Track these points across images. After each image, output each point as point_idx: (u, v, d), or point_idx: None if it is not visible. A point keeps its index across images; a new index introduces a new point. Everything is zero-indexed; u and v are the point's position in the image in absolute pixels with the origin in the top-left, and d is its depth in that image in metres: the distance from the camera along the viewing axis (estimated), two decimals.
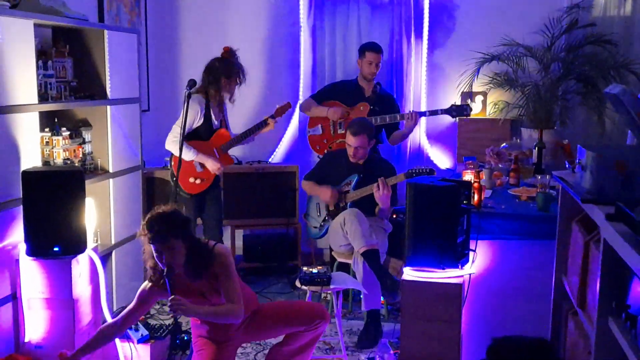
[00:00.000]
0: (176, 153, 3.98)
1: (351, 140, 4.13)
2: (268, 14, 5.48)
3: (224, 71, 4.10)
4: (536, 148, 4.32)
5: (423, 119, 5.30)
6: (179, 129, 3.99)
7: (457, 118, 5.08)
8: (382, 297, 4.15)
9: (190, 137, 4.10)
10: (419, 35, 5.24)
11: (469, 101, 5.14)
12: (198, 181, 4.21)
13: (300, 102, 5.33)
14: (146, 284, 2.97)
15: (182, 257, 2.81)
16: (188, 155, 4.07)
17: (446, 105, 4.77)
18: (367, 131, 4.13)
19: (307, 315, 3.09)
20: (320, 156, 4.69)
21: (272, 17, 5.48)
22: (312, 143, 4.82)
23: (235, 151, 4.43)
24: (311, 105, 4.78)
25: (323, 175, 4.34)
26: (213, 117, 4.19)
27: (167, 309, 2.86)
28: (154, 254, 2.79)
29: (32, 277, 3.14)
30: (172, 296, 2.72)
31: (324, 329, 3.15)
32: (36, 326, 3.17)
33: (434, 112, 4.68)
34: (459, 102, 5.18)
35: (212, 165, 4.16)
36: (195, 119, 4.09)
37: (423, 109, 5.31)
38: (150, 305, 3.11)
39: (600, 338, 1.91)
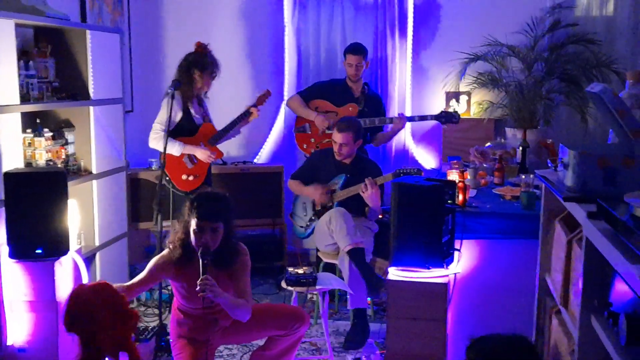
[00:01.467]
0: (161, 149, 3.99)
1: (337, 137, 4.14)
2: (252, 14, 5.46)
3: (197, 65, 4.09)
4: (520, 147, 4.35)
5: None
6: (159, 126, 3.99)
7: (445, 107, 5.11)
8: (367, 297, 4.16)
9: (175, 134, 4.08)
10: (403, 35, 5.25)
11: (455, 107, 5.16)
12: (191, 178, 4.19)
13: (285, 100, 5.33)
14: (158, 259, 2.96)
15: (217, 242, 2.85)
16: (175, 149, 4.06)
17: (432, 107, 4.78)
18: (354, 130, 4.13)
19: (286, 319, 3.07)
20: (307, 155, 4.69)
21: (257, 17, 5.46)
22: (299, 141, 4.81)
23: (223, 141, 4.41)
24: (297, 103, 4.76)
25: (310, 175, 4.34)
26: (193, 112, 4.17)
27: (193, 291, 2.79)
28: (195, 230, 2.80)
29: (15, 279, 3.11)
30: (205, 275, 2.72)
31: (303, 333, 3.14)
32: (19, 329, 3.13)
33: (423, 118, 4.70)
34: (444, 104, 5.21)
35: (202, 154, 4.14)
36: (172, 113, 4.06)
37: (408, 109, 5.32)
38: (157, 281, 3.14)
39: (583, 336, 1.92)
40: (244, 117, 4.29)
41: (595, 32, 4.92)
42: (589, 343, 1.89)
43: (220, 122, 4.44)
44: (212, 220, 2.81)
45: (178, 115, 4.09)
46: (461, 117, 5.18)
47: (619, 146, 2.27)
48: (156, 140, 4.03)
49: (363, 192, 3.99)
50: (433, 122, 5.28)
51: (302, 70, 5.41)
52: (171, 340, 3.07)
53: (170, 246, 2.94)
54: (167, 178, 3.84)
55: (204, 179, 4.25)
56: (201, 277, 2.71)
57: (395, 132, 4.65)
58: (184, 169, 4.16)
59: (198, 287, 2.69)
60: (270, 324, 3.08)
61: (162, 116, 4.06)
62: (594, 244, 1.78)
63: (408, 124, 5.29)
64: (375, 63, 5.30)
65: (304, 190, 4.30)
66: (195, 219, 2.81)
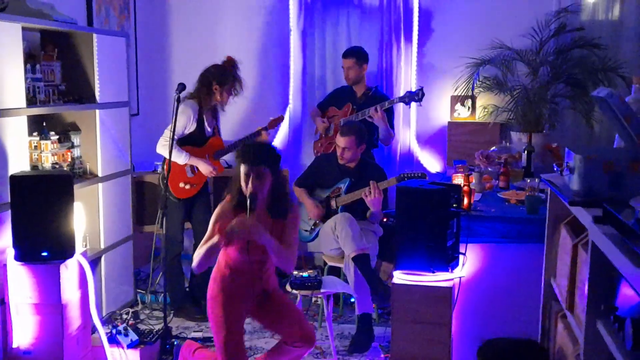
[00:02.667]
0: (167, 157, 3.99)
1: (340, 141, 4.16)
2: (258, 18, 5.47)
3: (217, 77, 4.11)
4: (525, 151, 4.34)
5: (413, 121, 5.32)
6: (170, 133, 3.98)
7: (450, 113, 5.09)
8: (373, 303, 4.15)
9: (183, 143, 4.10)
10: (408, 39, 5.25)
11: (460, 111, 5.16)
12: (188, 186, 4.22)
13: (290, 106, 5.37)
14: (217, 211, 3.03)
15: (265, 189, 2.95)
16: (180, 158, 4.08)
17: (437, 111, 4.79)
18: (356, 133, 4.13)
19: (297, 333, 3.07)
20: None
21: (262, 21, 5.47)
22: (314, 148, 4.99)
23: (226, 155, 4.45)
24: (313, 114, 4.98)
25: (314, 180, 4.34)
26: (206, 124, 4.19)
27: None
28: (243, 175, 2.91)
29: (21, 282, 3.12)
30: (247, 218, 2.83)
31: (304, 354, 3.14)
32: (24, 332, 3.14)
33: (391, 102, 4.70)
34: (449, 108, 5.20)
35: (205, 168, 4.16)
36: (187, 124, 4.09)
37: (413, 113, 5.33)
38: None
39: (588, 340, 1.91)
40: (253, 137, 4.31)
41: (601, 37, 4.90)
42: (595, 347, 1.88)
43: (223, 125, 4.45)
44: (256, 164, 2.90)
45: (193, 126, 4.11)
46: (466, 121, 5.20)
47: (625, 150, 2.26)
48: (165, 147, 4.03)
49: (366, 197, 3.99)
50: (438, 126, 5.31)
51: (307, 75, 5.42)
52: (208, 299, 3.08)
53: (228, 196, 3.02)
54: (165, 182, 3.86)
55: (200, 189, 4.27)
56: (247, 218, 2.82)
57: (380, 124, 4.61)
58: (184, 177, 4.18)
59: (234, 223, 2.79)
60: (286, 324, 3.10)
61: (178, 124, 4.04)
62: (600, 248, 1.78)
63: (412, 126, 5.32)
64: (380, 67, 5.30)
65: (305, 200, 4.31)
66: (242, 164, 2.92)
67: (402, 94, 5.25)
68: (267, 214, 3.00)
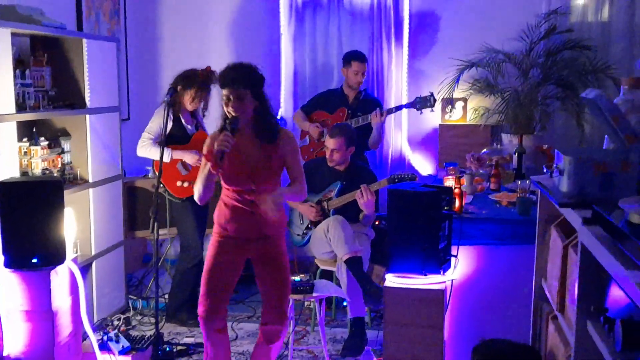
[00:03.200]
0: (149, 156, 4.07)
1: (329, 142, 4.15)
2: (248, 22, 5.48)
3: (183, 81, 4.06)
4: (516, 153, 4.36)
5: (404, 123, 5.33)
6: (148, 134, 4.03)
7: (442, 115, 5.09)
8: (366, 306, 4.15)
9: (166, 143, 4.08)
10: (399, 42, 5.26)
11: (450, 114, 5.17)
12: (186, 184, 4.17)
13: (281, 110, 5.36)
14: (208, 139, 3.07)
15: (249, 111, 2.93)
16: (164, 156, 4.05)
17: (428, 113, 4.76)
18: (345, 135, 4.12)
19: (274, 304, 3.13)
20: None
21: (253, 25, 5.47)
22: (302, 153, 4.86)
23: None
24: (299, 118, 4.88)
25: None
26: (184, 121, 4.16)
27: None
28: (224, 99, 2.91)
29: (11, 289, 3.09)
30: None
31: (275, 335, 3.15)
32: (15, 339, 3.12)
33: (398, 108, 4.71)
34: (440, 111, 5.21)
35: (190, 158, 4.11)
36: (161, 123, 4.07)
37: (404, 115, 5.34)
38: None
39: (579, 342, 1.92)
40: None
41: (590, 38, 4.94)
42: (585, 349, 1.89)
43: (212, 129, 4.43)
44: (234, 87, 2.87)
45: (169, 125, 4.09)
46: (457, 123, 5.21)
47: (615, 151, 2.27)
48: (144, 148, 4.05)
49: (359, 199, 3.99)
50: (430, 128, 5.32)
51: (299, 78, 5.42)
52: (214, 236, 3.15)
53: (220, 121, 3.03)
54: (162, 185, 3.84)
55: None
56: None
57: (377, 128, 4.61)
58: (178, 175, 4.16)
59: (217, 141, 2.82)
60: (268, 291, 3.14)
61: (151, 125, 4.09)
62: (589, 249, 1.78)
63: (404, 129, 5.32)
64: (371, 70, 5.30)
65: (299, 206, 4.30)
66: (222, 88, 2.91)
67: (392, 97, 5.27)
68: (255, 138, 2.99)
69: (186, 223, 4.16)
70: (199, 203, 3.11)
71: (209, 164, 2.91)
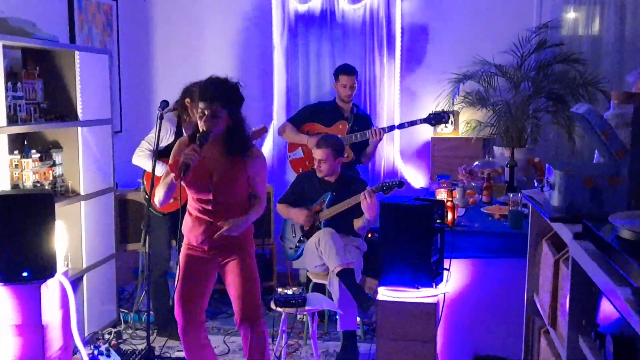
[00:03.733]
0: (144, 167, 4.05)
1: (316, 153, 4.15)
2: (241, 35, 5.49)
3: (190, 93, 4.08)
4: (508, 166, 4.37)
5: (397, 137, 5.34)
6: (147, 144, 3.99)
7: (434, 129, 5.11)
8: (357, 317, 4.14)
9: (162, 155, 4.07)
10: (391, 56, 5.28)
11: (442, 127, 5.20)
12: (171, 200, 4.17)
13: (273, 123, 5.36)
14: (177, 143, 3.11)
15: (221, 127, 2.95)
16: (158, 169, 4.03)
17: (420, 126, 4.78)
18: (333, 146, 4.13)
19: (242, 304, 3.10)
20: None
21: (245, 38, 5.49)
22: (294, 166, 4.85)
23: None
24: (289, 130, 4.81)
25: (297, 197, 4.34)
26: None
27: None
28: (200, 111, 2.93)
29: (1, 303, 3.07)
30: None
31: (248, 336, 3.12)
32: (5, 353, 3.08)
33: (412, 123, 4.67)
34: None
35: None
36: (164, 136, 4.06)
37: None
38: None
39: (571, 357, 1.92)
40: None
41: (581, 52, 4.98)
42: None
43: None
44: (211, 103, 2.89)
45: (170, 138, 4.08)
46: (449, 136, 5.23)
47: (605, 166, 2.29)
48: (140, 158, 4.04)
49: (363, 201, 3.94)
50: (422, 141, 5.33)
51: (291, 92, 5.42)
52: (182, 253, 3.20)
53: (187, 131, 3.06)
54: (147, 197, 3.84)
55: (185, 202, 4.22)
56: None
57: (374, 145, 4.64)
58: None
59: (183, 157, 2.84)
60: (235, 293, 3.12)
61: (151, 135, 4.06)
62: (580, 264, 1.78)
63: (397, 141, 5.33)
64: (364, 84, 5.32)
65: (290, 212, 4.30)
66: (199, 100, 2.95)
67: (385, 110, 5.29)
68: (223, 150, 3.01)
69: (159, 236, 4.17)
70: (157, 206, 3.18)
71: (172, 174, 2.95)
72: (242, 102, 3.04)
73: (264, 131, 4.42)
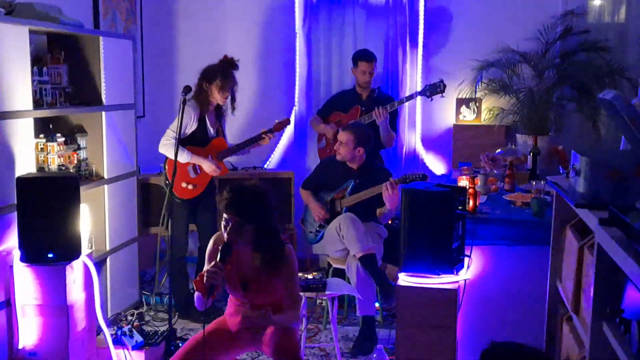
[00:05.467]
0: (170, 156, 4.05)
1: (340, 136, 4.15)
2: (263, 21, 5.49)
3: (205, 75, 4.09)
4: (531, 154, 4.34)
5: (418, 123, 5.32)
6: (173, 133, 4.00)
7: (456, 116, 5.07)
8: (377, 302, 4.15)
9: (185, 143, 4.10)
10: (414, 41, 5.25)
11: (465, 114, 5.17)
12: (190, 187, 4.21)
13: (295, 109, 5.39)
14: (215, 238, 2.91)
15: (247, 239, 2.75)
16: (182, 157, 4.07)
17: (442, 113, 4.77)
18: (355, 132, 4.10)
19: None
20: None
21: (268, 24, 5.49)
22: (320, 155, 4.92)
23: (230, 157, 4.45)
24: (313, 120, 4.94)
25: (319, 182, 4.34)
26: (208, 124, 4.19)
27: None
28: (223, 221, 2.73)
29: (26, 283, 3.13)
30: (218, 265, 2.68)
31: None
32: (30, 333, 3.15)
33: (409, 97, 4.68)
34: (454, 111, 5.19)
35: (208, 167, 4.16)
36: (188, 123, 4.09)
37: (418, 115, 5.33)
38: None
39: (594, 343, 1.91)
40: (255, 140, 4.29)
41: (607, 40, 4.90)
42: (600, 350, 1.88)
43: (229, 127, 4.46)
44: (235, 214, 2.69)
45: (194, 125, 4.11)
46: (471, 123, 5.19)
47: (631, 153, 2.26)
48: (166, 147, 4.07)
49: (384, 192, 3.93)
50: (444, 128, 5.31)
51: (313, 77, 5.42)
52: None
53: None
54: (169, 182, 3.88)
55: (204, 189, 4.26)
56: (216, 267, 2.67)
57: (383, 126, 4.56)
58: (186, 177, 4.18)
59: (205, 279, 2.63)
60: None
61: (175, 124, 4.08)
62: (605, 250, 1.77)
63: (418, 128, 5.31)
64: (386, 69, 5.30)
65: (310, 203, 4.32)
66: (223, 209, 2.73)
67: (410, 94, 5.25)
68: (253, 256, 2.80)
69: (178, 222, 4.20)
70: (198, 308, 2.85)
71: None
72: (271, 212, 2.81)
73: (287, 123, 4.44)
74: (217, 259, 2.70)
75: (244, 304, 2.89)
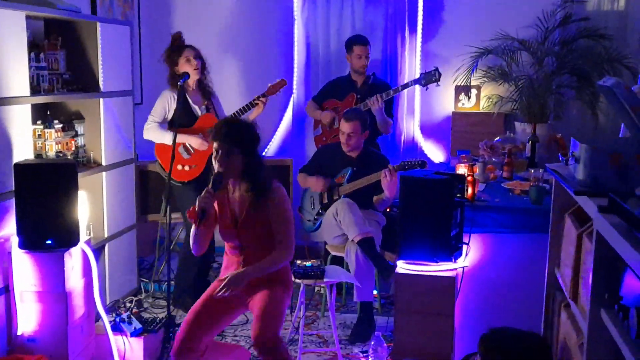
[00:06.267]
0: (154, 139, 4.14)
1: (344, 127, 4.13)
2: (262, 7, 5.46)
3: (170, 57, 4.17)
4: (530, 142, 4.33)
5: (417, 111, 5.31)
6: (153, 117, 4.12)
7: (455, 103, 5.04)
8: (375, 290, 4.16)
9: (171, 125, 4.09)
10: (412, 27, 5.23)
11: (464, 101, 5.15)
12: (187, 168, 4.18)
13: (294, 96, 5.36)
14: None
15: (237, 169, 2.90)
16: (166, 138, 4.06)
17: (441, 101, 4.74)
18: (361, 119, 4.11)
19: (256, 328, 2.82)
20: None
21: (266, 10, 5.45)
22: (316, 143, 4.90)
23: None
24: (309, 106, 4.91)
25: (317, 169, 4.34)
26: (191, 102, 4.17)
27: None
28: (214, 152, 2.89)
29: (25, 270, 3.13)
30: (227, 278, 2.84)
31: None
32: (29, 319, 3.15)
33: (405, 86, 4.67)
34: (453, 98, 5.18)
35: (195, 142, 4.12)
36: (165, 107, 4.13)
37: (417, 102, 5.32)
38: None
39: (592, 329, 1.91)
40: (248, 108, 4.23)
41: (606, 27, 4.88)
42: (599, 337, 1.88)
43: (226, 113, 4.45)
44: (223, 142, 2.85)
45: (173, 105, 4.09)
46: (470, 111, 5.18)
47: (631, 141, 2.25)
48: (148, 131, 4.13)
49: (383, 179, 3.93)
50: (442, 116, 5.30)
51: (312, 63, 5.41)
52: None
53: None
54: (163, 168, 3.88)
55: (204, 169, 4.21)
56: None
57: (378, 113, 4.54)
58: (180, 159, 4.14)
59: (197, 203, 2.81)
60: (254, 316, 2.91)
61: (155, 108, 4.17)
62: (604, 237, 1.77)
63: (417, 116, 5.30)
64: (384, 55, 5.28)
65: (308, 181, 4.31)
66: (213, 140, 2.89)
67: (405, 82, 5.23)
68: (246, 195, 2.94)
69: (184, 204, 4.12)
70: (195, 253, 3.05)
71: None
72: (257, 142, 2.96)
73: (282, 84, 4.36)
74: (209, 187, 2.85)
75: (236, 248, 2.99)
